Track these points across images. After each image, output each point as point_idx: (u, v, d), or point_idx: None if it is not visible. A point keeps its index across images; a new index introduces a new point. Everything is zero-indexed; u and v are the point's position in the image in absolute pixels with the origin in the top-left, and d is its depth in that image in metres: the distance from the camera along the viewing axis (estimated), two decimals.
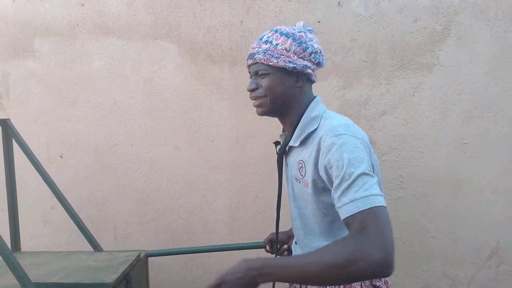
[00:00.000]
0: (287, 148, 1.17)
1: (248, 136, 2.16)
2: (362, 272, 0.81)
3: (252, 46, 1.13)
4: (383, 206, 0.89)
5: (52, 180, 1.78)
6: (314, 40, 1.12)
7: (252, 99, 1.14)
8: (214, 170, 2.21)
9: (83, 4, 2.15)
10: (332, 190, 0.96)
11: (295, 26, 1.15)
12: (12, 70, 2.23)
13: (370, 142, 1.09)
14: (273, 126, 2.07)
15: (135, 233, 2.31)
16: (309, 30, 1.15)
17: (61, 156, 2.27)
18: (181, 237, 2.28)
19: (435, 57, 2.00)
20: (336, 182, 0.94)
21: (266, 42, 1.09)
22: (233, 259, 2.25)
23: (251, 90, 1.13)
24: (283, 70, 1.08)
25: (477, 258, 2.12)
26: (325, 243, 1.11)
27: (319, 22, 2.04)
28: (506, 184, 2.04)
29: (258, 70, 1.10)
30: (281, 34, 1.09)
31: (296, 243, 1.30)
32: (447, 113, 2.03)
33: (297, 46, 1.08)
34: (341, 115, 1.13)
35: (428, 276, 2.16)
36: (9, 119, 1.78)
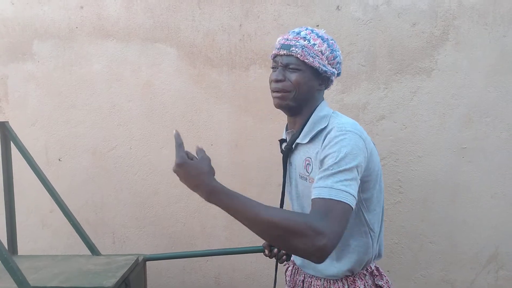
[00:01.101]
0: (293, 146, 1.17)
1: (247, 139, 2.16)
2: (300, 246, 0.84)
3: (284, 37, 1.12)
4: (351, 208, 0.92)
5: (51, 184, 1.78)
6: (340, 52, 1.16)
7: (275, 90, 1.12)
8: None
9: (82, 7, 2.16)
10: (318, 172, 1.00)
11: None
12: (11, 73, 2.23)
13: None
14: (272, 129, 2.06)
15: (133, 237, 2.30)
16: (334, 40, 1.17)
17: (59, 159, 2.26)
18: (179, 241, 2.27)
19: (434, 61, 2.00)
20: (325, 166, 0.98)
21: (304, 38, 1.09)
22: (231, 263, 2.24)
23: (279, 81, 1.10)
24: (313, 71, 1.09)
25: (476, 263, 2.11)
26: None
27: (317, 26, 2.04)
28: (505, 188, 2.04)
29: (290, 63, 1.09)
30: (318, 36, 1.10)
31: None
32: (445, 117, 2.03)
33: (330, 52, 1.10)
34: (350, 118, 1.15)
35: (427, 281, 2.15)
36: (7, 121, 1.78)
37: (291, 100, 1.11)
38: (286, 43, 1.10)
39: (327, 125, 1.09)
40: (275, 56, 1.13)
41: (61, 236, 2.31)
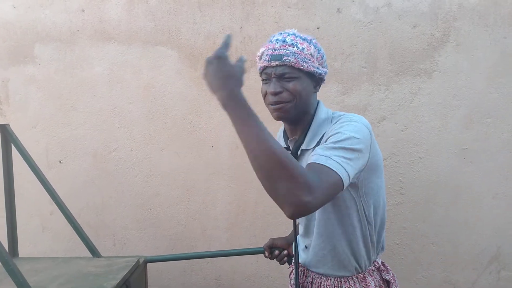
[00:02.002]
0: (298, 152, 1.17)
1: None
2: (282, 190, 0.79)
3: (270, 47, 1.08)
4: (343, 185, 0.90)
5: (52, 186, 1.78)
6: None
7: (273, 104, 1.08)
8: (213, 176, 2.21)
9: (83, 10, 2.17)
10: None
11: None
12: (12, 76, 2.24)
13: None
14: (273, 131, 2.05)
15: (134, 239, 2.30)
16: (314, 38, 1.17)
17: (60, 162, 2.27)
18: (180, 243, 2.27)
19: (434, 63, 2.01)
20: (328, 141, 0.97)
21: (292, 45, 1.06)
22: (232, 264, 2.24)
23: (278, 93, 1.07)
24: (308, 75, 1.09)
25: (478, 264, 2.11)
26: (329, 246, 1.14)
27: (318, 28, 2.05)
28: (506, 189, 2.04)
29: (284, 73, 1.06)
30: (302, 39, 1.08)
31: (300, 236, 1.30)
32: (446, 118, 2.03)
33: (317, 53, 1.10)
34: None
35: (429, 282, 2.14)
36: (8, 124, 1.78)
37: (292, 110, 1.09)
38: (275, 53, 1.06)
39: (330, 126, 1.09)
40: (265, 68, 1.09)
41: (62, 239, 2.31)
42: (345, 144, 0.94)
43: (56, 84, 2.22)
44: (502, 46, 1.97)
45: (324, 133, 1.09)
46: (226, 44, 0.91)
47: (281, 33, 1.10)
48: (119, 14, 2.15)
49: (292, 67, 1.06)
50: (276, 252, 1.46)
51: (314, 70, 1.08)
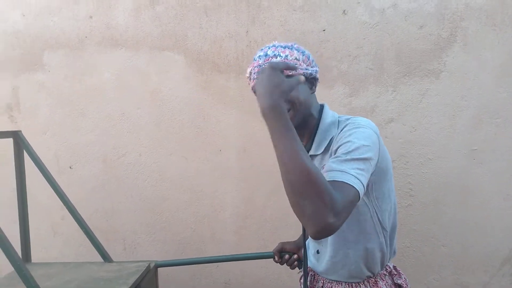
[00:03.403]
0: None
1: (255, 145, 2.17)
2: (309, 208, 0.79)
3: (255, 65, 1.10)
4: (360, 197, 0.90)
5: (63, 191, 1.79)
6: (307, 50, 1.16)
7: None
8: (221, 180, 2.21)
9: (91, 17, 2.19)
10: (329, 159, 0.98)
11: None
12: (23, 83, 2.27)
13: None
14: None
15: (143, 243, 2.31)
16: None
17: (70, 167, 2.29)
18: (189, 247, 2.28)
19: (442, 63, 1.99)
20: (337, 154, 0.96)
21: (275, 56, 1.08)
22: (241, 268, 2.24)
23: None
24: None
25: (489, 266, 2.08)
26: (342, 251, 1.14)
27: (324, 30, 2.05)
28: None
29: None
30: (282, 47, 1.09)
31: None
32: (455, 119, 2.01)
33: (302, 55, 1.10)
34: None
35: (439, 285, 2.12)
36: (20, 131, 1.81)
37: (294, 118, 1.09)
38: (261, 69, 1.06)
39: (337, 131, 1.08)
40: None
41: (73, 244, 2.33)
42: (357, 155, 0.94)
43: (65, 91, 2.25)
44: (510, 46, 1.95)
45: (332, 138, 1.09)
46: (286, 65, 0.94)
47: (262, 49, 1.12)
48: (126, 20, 2.17)
49: None
50: (286, 256, 1.46)
51: (303, 73, 1.08)
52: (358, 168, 0.91)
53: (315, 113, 1.15)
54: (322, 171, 0.94)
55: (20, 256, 1.62)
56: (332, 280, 1.20)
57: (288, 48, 1.09)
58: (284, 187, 0.83)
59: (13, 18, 2.24)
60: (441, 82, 2.00)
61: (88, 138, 2.26)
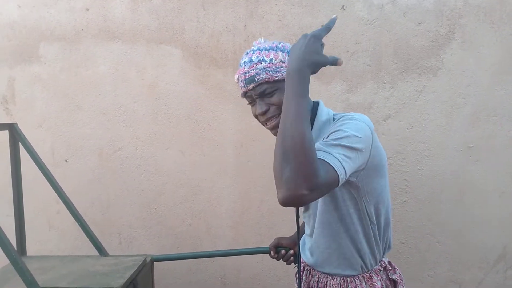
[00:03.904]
0: None
1: (252, 140, 2.16)
2: (289, 172, 0.80)
3: (240, 72, 1.10)
4: (338, 183, 0.89)
5: (59, 185, 1.79)
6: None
7: (266, 122, 1.10)
8: (218, 174, 2.21)
9: (87, 9, 2.17)
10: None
11: (255, 44, 1.13)
12: (18, 75, 2.25)
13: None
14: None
15: (139, 237, 2.31)
16: (281, 41, 1.14)
17: (66, 161, 2.28)
18: (185, 242, 2.28)
19: (440, 60, 1.99)
20: (328, 138, 0.96)
21: (259, 61, 1.06)
22: (237, 263, 2.25)
23: (264, 113, 1.08)
24: None
25: (484, 263, 2.09)
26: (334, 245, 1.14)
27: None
28: None
29: (264, 91, 1.07)
30: (267, 50, 1.07)
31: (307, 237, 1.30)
32: (452, 116, 2.02)
33: (288, 54, 1.07)
34: None
35: (434, 281, 2.14)
36: (16, 123, 1.79)
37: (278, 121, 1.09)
38: (248, 77, 1.07)
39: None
40: (246, 93, 1.11)
41: (68, 238, 2.33)
42: (346, 142, 0.93)
43: (61, 83, 2.23)
44: (508, 43, 1.95)
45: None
46: (328, 28, 0.95)
47: (247, 53, 1.10)
48: (123, 13, 2.15)
49: (268, 82, 1.06)
50: (282, 252, 1.46)
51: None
52: (344, 155, 0.90)
53: (309, 111, 1.13)
54: (319, 147, 0.93)
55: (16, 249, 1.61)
56: (327, 275, 1.20)
57: (273, 51, 1.07)
58: (275, 149, 0.86)
59: (8, 9, 2.21)
60: (439, 79, 2.00)
61: (84, 131, 2.25)
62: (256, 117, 1.13)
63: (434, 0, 1.96)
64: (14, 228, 1.84)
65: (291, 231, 2.08)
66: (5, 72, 2.25)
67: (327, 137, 0.98)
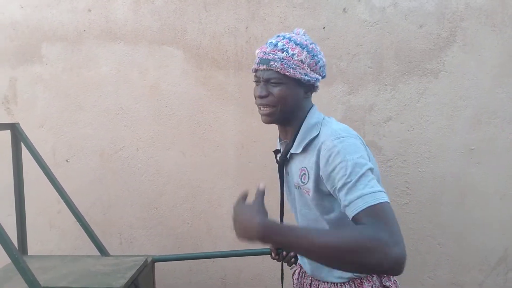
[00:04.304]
0: (288, 156, 1.16)
1: (253, 141, 2.16)
2: (376, 264, 0.76)
3: (262, 50, 1.09)
4: (389, 203, 0.88)
5: (61, 185, 1.79)
6: (322, 54, 1.12)
7: (260, 106, 1.10)
8: (219, 175, 2.21)
9: (90, 10, 2.18)
10: (336, 190, 0.96)
11: (293, 32, 1.13)
12: (20, 75, 2.26)
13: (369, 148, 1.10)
14: (278, 132, 2.06)
15: (140, 238, 2.31)
16: (314, 43, 1.13)
17: (67, 161, 2.28)
18: (186, 242, 2.28)
19: (441, 63, 2.00)
20: (341, 182, 0.93)
21: (282, 50, 1.05)
22: (238, 264, 2.25)
23: (262, 97, 1.08)
24: (296, 81, 1.07)
25: (485, 265, 2.09)
26: None
27: (324, 28, 2.05)
28: None
29: (270, 78, 1.06)
30: (296, 44, 1.06)
31: None
32: (453, 119, 2.02)
33: (311, 59, 1.07)
34: (340, 122, 1.12)
35: (435, 283, 2.13)
36: (18, 123, 1.80)
37: (278, 115, 1.09)
38: (264, 57, 1.06)
39: (319, 133, 1.07)
40: (256, 70, 1.10)
41: (69, 238, 2.33)
42: (358, 172, 0.91)
43: (63, 84, 2.24)
44: (510, 46, 1.95)
45: (312, 139, 1.06)
46: (244, 197, 0.99)
47: (278, 35, 1.10)
48: (125, 14, 2.16)
49: (278, 72, 1.05)
50: (284, 253, 1.46)
51: (301, 77, 1.05)
52: (368, 182, 0.90)
53: (302, 115, 1.13)
54: (342, 206, 0.92)
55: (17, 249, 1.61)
56: (318, 280, 1.21)
57: (300, 47, 1.06)
58: (339, 266, 0.84)
59: (10, 9, 2.22)
60: (440, 82, 2.01)
61: (86, 131, 2.25)
62: (255, 97, 1.13)
63: (435, 3, 1.97)
64: (16, 228, 1.85)
65: None
66: (7, 72, 2.26)
67: (330, 173, 0.96)
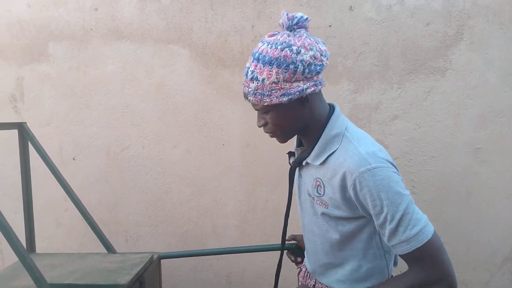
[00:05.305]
0: (304, 163, 1.11)
1: (258, 139, 2.17)
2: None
3: (244, 81, 1.03)
4: (433, 232, 0.92)
5: (67, 183, 1.80)
6: (303, 50, 0.95)
7: (266, 133, 1.09)
8: (224, 174, 2.22)
9: (96, 9, 2.19)
10: (375, 223, 0.98)
11: (280, 20, 1.03)
12: (27, 74, 2.27)
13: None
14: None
15: (145, 235, 2.32)
16: (294, 31, 0.99)
17: (74, 159, 2.30)
18: (191, 240, 2.29)
19: (448, 61, 1.99)
20: (379, 220, 0.94)
21: (252, 79, 0.97)
22: (243, 262, 2.25)
23: (261, 126, 1.07)
24: (281, 104, 0.98)
25: (491, 264, 2.09)
26: (328, 261, 1.14)
27: (330, 26, 2.04)
28: None
29: (258, 109, 1.03)
30: (264, 63, 0.95)
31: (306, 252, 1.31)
32: (460, 117, 2.01)
33: (285, 72, 0.94)
34: (363, 132, 1.06)
35: None
36: (25, 122, 1.81)
37: (283, 136, 1.06)
38: (244, 90, 1.02)
39: (339, 147, 1.00)
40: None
41: (76, 235, 2.35)
42: (395, 211, 0.91)
43: (70, 82, 2.25)
44: None
45: (332, 153, 1.01)
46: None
47: (252, 54, 1.01)
48: (132, 12, 2.16)
49: (258, 104, 1.00)
50: (299, 259, 1.47)
51: (280, 101, 0.95)
52: (410, 220, 0.91)
53: (317, 121, 1.05)
54: (392, 244, 0.94)
55: (25, 247, 1.63)
56: (321, 283, 1.21)
57: (269, 65, 0.94)
58: None
59: (18, 8, 2.23)
60: (447, 80, 2.00)
61: (92, 130, 2.26)
62: None
63: (442, 1, 1.96)
64: (24, 226, 1.86)
65: (296, 229, 2.09)
66: (14, 71, 2.27)
67: (367, 205, 0.95)
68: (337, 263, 1.11)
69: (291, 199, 1.24)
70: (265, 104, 0.98)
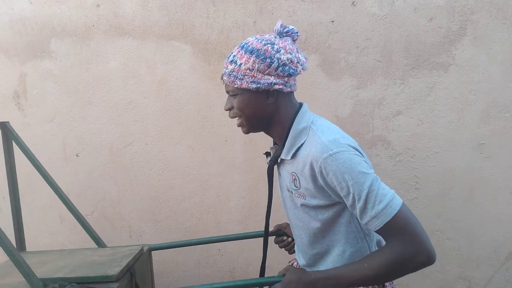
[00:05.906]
0: (279, 160, 1.17)
1: (261, 135, 2.15)
2: (413, 269, 0.95)
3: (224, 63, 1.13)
4: (401, 205, 0.94)
5: (53, 180, 1.79)
6: (282, 51, 1.05)
7: (231, 118, 1.15)
8: (227, 170, 2.22)
9: (98, 5, 2.18)
10: (346, 203, 1.02)
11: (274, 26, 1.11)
12: (30, 71, 2.27)
13: (361, 147, 1.10)
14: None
15: (149, 231, 2.33)
16: (282, 37, 1.09)
17: (77, 155, 2.30)
18: (194, 236, 2.30)
19: (451, 56, 1.98)
20: (349, 201, 0.99)
21: (231, 62, 1.07)
22: (246, 257, 2.26)
23: (227, 110, 1.14)
24: (249, 90, 1.07)
25: (494, 260, 2.09)
26: (315, 251, 1.17)
27: (332, 21, 2.03)
28: None
29: (228, 91, 1.11)
30: (246, 51, 1.05)
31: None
32: (463, 113, 2.00)
33: (261, 63, 1.03)
34: (329, 123, 1.11)
35: (444, 278, 2.13)
36: (8, 122, 1.77)
37: (247, 125, 1.13)
38: (222, 71, 1.12)
39: (306, 139, 1.06)
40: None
41: (80, 231, 2.35)
42: (361, 189, 0.95)
43: (72, 79, 2.25)
44: None
45: (301, 145, 1.07)
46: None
47: (239, 45, 1.10)
48: (134, 9, 2.16)
49: (230, 85, 1.09)
50: (289, 239, 1.48)
51: (249, 86, 1.04)
52: (376, 196, 0.94)
53: (281, 119, 1.12)
54: (365, 222, 0.97)
55: (15, 246, 1.62)
56: None
57: (249, 54, 1.04)
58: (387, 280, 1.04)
59: (20, 5, 2.23)
60: (450, 76, 1.99)
61: (95, 126, 2.27)
62: None
63: None
64: (13, 225, 1.84)
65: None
66: (17, 67, 2.28)
67: (335, 188, 0.99)
68: (323, 251, 1.15)
69: (271, 199, 1.28)
70: (235, 86, 1.07)
